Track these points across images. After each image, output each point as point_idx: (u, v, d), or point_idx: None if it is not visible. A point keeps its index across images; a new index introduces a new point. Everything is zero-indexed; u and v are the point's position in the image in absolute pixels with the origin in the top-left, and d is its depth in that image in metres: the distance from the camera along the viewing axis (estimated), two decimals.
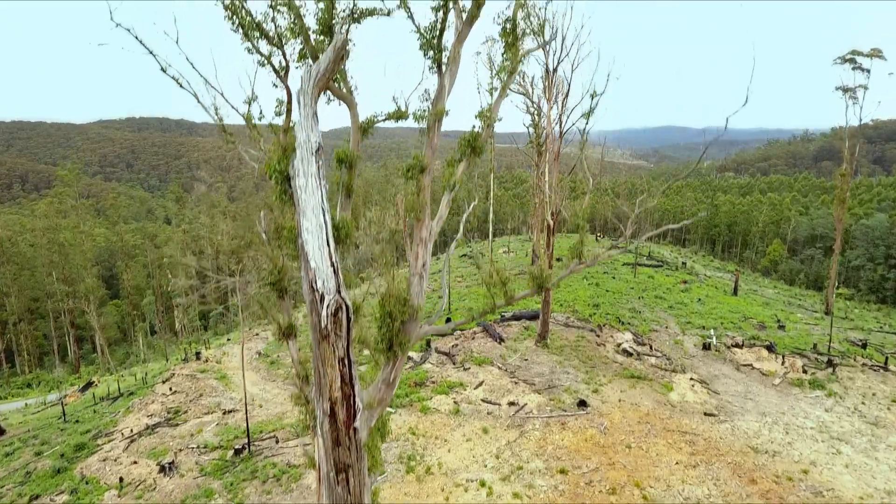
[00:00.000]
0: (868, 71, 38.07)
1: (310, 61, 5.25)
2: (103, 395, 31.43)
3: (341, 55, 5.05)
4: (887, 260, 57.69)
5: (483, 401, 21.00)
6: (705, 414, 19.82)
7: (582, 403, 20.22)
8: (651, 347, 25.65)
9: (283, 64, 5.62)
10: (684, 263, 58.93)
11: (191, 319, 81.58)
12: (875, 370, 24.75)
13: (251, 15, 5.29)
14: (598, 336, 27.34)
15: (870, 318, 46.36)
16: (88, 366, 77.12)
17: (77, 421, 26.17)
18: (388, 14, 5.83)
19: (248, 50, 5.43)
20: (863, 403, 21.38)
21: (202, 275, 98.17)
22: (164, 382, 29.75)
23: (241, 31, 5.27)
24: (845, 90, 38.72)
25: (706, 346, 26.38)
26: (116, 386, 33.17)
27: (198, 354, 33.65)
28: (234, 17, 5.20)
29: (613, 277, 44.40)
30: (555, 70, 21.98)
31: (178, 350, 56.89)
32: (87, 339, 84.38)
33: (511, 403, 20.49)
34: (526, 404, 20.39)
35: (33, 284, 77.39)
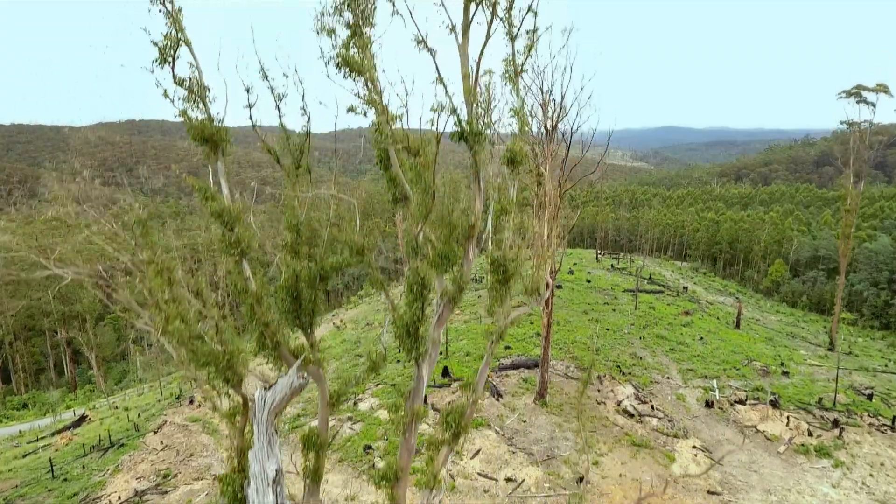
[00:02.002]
0: (873, 105, 37.48)
1: (265, 392, 4.71)
2: (94, 444, 30.85)
3: (300, 390, 4.52)
4: (891, 285, 57.06)
5: (479, 474, 20.40)
6: (709, 492, 19.21)
7: (581, 479, 19.61)
8: (652, 407, 25.04)
9: (239, 377, 5.07)
10: (685, 288, 58.33)
11: None
12: (882, 431, 24.16)
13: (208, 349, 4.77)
14: (599, 390, 26.73)
15: (874, 350, 45.75)
16: (85, 384, 76.56)
17: (65, 479, 25.58)
18: (362, 270, 5.29)
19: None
20: (870, 475, 20.77)
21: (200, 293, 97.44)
22: (154, 433, 29.20)
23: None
24: (850, 125, 38.14)
25: (709, 404, 25.77)
26: (107, 433, 32.52)
27: (191, 399, 33.05)
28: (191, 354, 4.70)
29: (614, 310, 43.81)
30: (553, 128, 21.39)
31: (173, 379, 56.21)
32: (84, 353, 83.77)
33: (508, 479, 19.89)
34: (524, 480, 19.79)
35: (29, 303, 76.81)
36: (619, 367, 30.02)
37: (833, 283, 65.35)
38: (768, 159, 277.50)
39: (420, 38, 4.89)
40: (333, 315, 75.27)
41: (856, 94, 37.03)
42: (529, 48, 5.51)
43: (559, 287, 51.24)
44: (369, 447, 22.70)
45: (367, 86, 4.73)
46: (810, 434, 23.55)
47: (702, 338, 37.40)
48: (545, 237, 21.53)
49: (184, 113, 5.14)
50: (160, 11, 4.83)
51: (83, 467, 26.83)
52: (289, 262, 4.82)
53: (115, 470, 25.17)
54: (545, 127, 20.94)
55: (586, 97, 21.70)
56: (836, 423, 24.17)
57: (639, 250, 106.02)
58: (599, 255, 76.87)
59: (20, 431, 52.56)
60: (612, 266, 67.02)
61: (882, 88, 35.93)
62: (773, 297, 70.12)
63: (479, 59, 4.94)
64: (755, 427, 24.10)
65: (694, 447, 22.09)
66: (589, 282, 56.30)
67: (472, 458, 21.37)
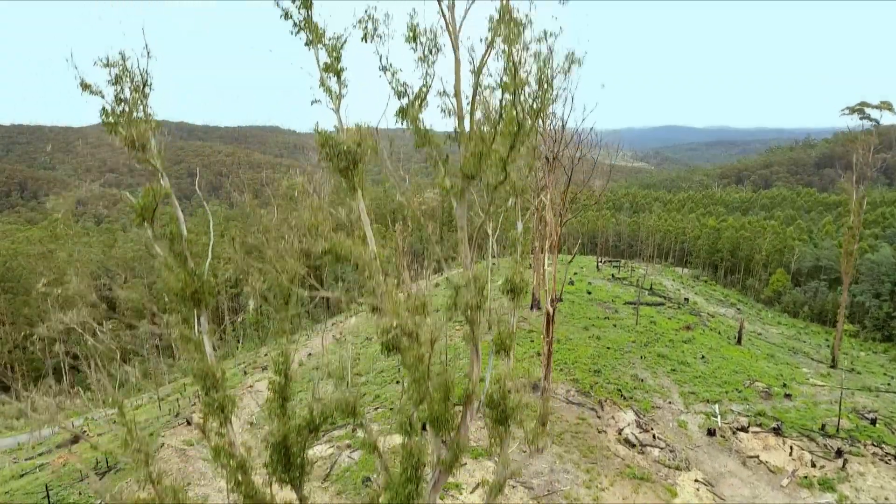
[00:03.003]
0: (877, 122, 37.21)
1: None
2: (91, 466, 30.65)
3: None
4: (893, 297, 56.79)
5: None
6: None
7: None
8: (654, 436, 24.80)
9: None
10: (686, 299, 58.06)
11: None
12: (886, 461, 23.93)
13: None
14: (600, 417, 26.49)
15: (877, 366, 45.54)
16: (84, 392, 76.32)
17: None
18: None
19: None
20: None
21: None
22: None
23: None
24: (852, 140, 37.88)
25: (711, 432, 25.53)
26: (104, 454, 32.27)
27: (188, 420, 32.82)
28: None
29: (615, 325, 43.53)
30: (555, 158, 21.14)
31: (172, 391, 55.97)
32: (82, 359, 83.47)
33: None
34: None
35: (28, 311, 76.57)
36: (619, 390, 29.76)
37: (835, 294, 65.12)
38: (769, 161, 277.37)
39: (420, 250, 4.69)
40: (333, 324, 75.00)
41: (859, 111, 36.77)
42: (529, 169, 5.31)
43: (560, 300, 50.98)
44: (368, 479, 22.46)
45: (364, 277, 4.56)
46: (814, 465, 23.32)
47: (703, 356, 37.12)
48: (545, 267, 21.25)
49: (165, 268, 4.90)
50: (139, 163, 4.62)
51: (80, 493, 26.63)
52: (277, 423, 4.60)
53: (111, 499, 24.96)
54: (546, 157, 20.69)
55: (588, 130, 21.50)
56: (839, 453, 23.92)
57: (639, 256, 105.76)
58: (600, 264, 76.58)
59: (18, 444, 52.39)
60: (612, 276, 66.74)
61: (886, 106, 35.65)
62: (774, 307, 69.86)
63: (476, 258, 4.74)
64: (758, 457, 23.87)
65: (696, 480, 21.86)
66: (589, 293, 55.99)
67: (472, 492, 21.14)
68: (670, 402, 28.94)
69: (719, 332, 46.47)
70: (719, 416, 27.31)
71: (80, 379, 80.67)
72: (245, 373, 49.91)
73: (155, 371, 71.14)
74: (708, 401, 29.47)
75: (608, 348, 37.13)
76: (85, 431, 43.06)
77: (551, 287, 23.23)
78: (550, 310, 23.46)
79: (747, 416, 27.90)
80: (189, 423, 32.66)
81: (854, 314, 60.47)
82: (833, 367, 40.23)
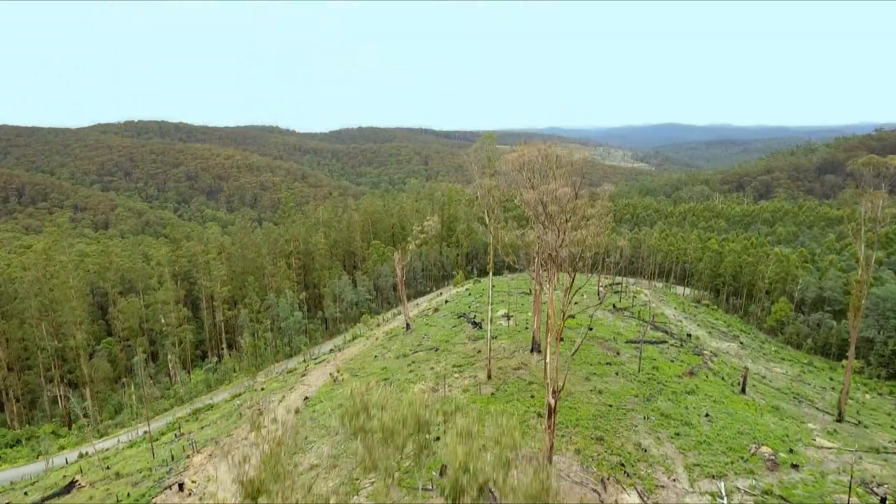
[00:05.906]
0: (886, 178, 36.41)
1: None
2: None
3: None
4: None
5: None
6: None
7: None
8: None
9: None
10: (689, 335, 57.29)
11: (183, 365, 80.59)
12: None
13: None
14: (602, 501, 25.72)
15: (883, 414, 44.83)
16: (79, 419, 75.72)
17: None
18: None
19: None
20: None
21: (195, 308, 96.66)
22: None
23: None
24: (861, 195, 37.12)
25: None
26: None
27: (181, 485, 32.07)
28: None
29: (616, 372, 42.79)
30: (556, 256, 20.37)
31: (168, 427, 55.14)
32: (79, 384, 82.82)
33: None
34: None
35: (23, 335, 75.71)
36: (622, 465, 29.01)
37: (839, 325, 64.44)
38: (769, 166, 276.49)
39: None
40: (331, 350, 74.05)
41: (869, 164, 36.01)
42: None
43: (561, 340, 50.17)
44: None
45: None
46: None
47: (707, 414, 36.36)
48: (547, 366, 20.51)
49: None
50: None
51: None
52: None
53: None
54: (549, 255, 19.94)
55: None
56: None
57: (640, 274, 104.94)
58: (601, 290, 75.71)
59: (11, 483, 51.82)
60: (614, 306, 65.99)
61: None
62: (777, 338, 69.19)
63: None
64: None
65: None
66: (591, 328, 55.18)
67: None
68: (675, 480, 28.17)
69: (723, 378, 45.73)
70: (725, 498, 26.55)
71: (77, 401, 79.98)
72: (240, 415, 48.98)
73: (149, 397, 70.39)
74: (713, 476, 28.71)
75: (610, 406, 36.38)
76: (76, 481, 42.34)
77: (554, 379, 22.44)
78: (552, 402, 22.67)
79: (753, 495, 27.17)
80: (181, 489, 31.92)
81: (858, 349, 59.73)
82: (839, 420, 39.51)
